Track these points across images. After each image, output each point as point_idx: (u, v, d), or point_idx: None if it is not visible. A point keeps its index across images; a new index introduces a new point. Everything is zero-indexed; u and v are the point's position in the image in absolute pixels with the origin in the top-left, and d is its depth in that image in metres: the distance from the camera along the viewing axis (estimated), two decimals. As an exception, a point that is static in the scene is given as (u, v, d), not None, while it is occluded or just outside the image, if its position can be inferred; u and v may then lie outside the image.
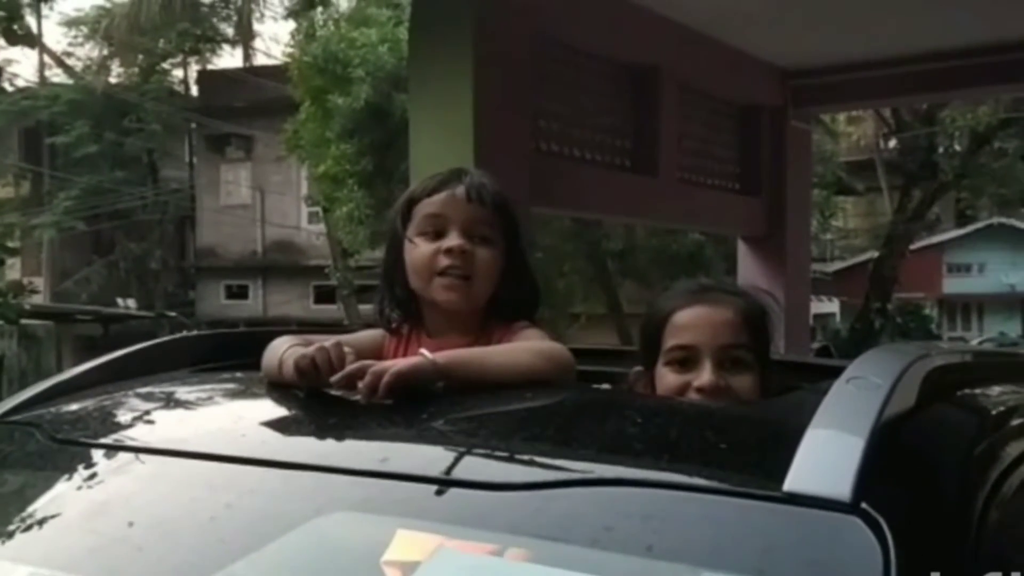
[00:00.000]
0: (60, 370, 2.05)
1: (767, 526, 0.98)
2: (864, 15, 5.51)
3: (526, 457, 1.18)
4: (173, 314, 22.84)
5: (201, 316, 25.04)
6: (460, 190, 1.71)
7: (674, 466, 1.12)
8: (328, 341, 1.46)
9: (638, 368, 1.79)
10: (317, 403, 1.50)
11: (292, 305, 25.00)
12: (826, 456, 1.01)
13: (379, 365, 1.37)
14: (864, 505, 0.95)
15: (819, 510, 0.96)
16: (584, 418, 1.38)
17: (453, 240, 1.67)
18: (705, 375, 1.66)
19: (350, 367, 1.39)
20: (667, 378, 1.70)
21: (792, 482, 0.98)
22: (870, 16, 5.52)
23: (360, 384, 1.35)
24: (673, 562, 0.97)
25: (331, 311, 21.73)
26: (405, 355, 1.73)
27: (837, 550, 0.95)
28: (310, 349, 1.42)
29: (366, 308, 18.94)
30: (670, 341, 1.71)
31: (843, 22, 5.64)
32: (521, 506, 1.06)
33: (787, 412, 1.26)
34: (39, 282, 25.16)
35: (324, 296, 23.54)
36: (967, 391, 1.48)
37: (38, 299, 23.15)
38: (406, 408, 1.35)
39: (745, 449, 1.21)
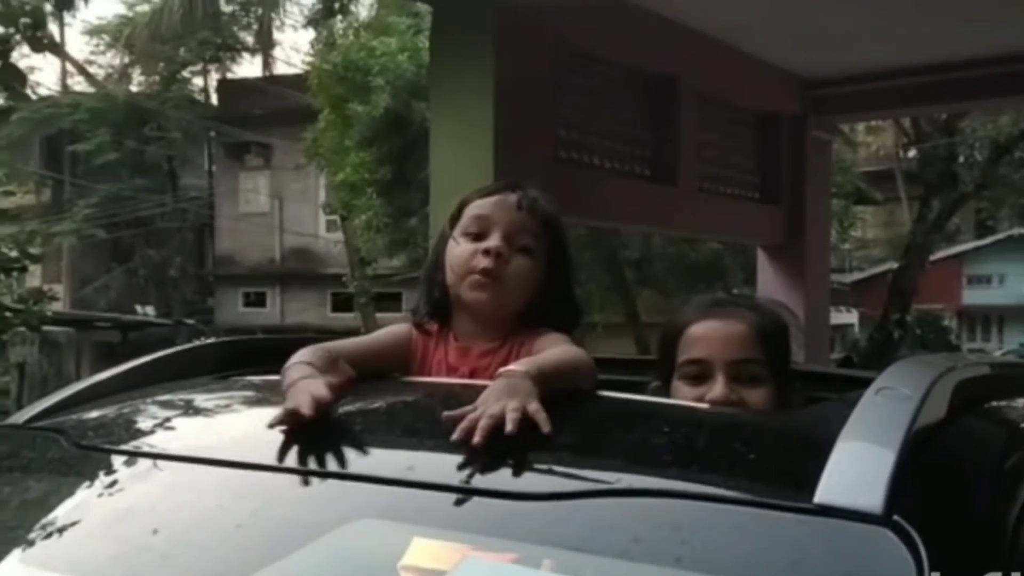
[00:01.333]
0: (80, 377, 2.05)
1: (798, 538, 0.97)
2: (885, 25, 5.49)
3: (554, 466, 1.18)
4: (191, 321, 22.93)
5: (219, 323, 25.13)
6: (511, 197, 1.73)
7: (704, 477, 1.12)
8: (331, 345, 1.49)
9: (655, 383, 1.79)
10: (341, 409, 1.50)
11: (309, 313, 25.07)
12: (857, 467, 1.00)
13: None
14: (896, 517, 0.95)
15: (850, 522, 0.95)
16: (613, 427, 1.37)
17: (492, 242, 1.68)
18: (717, 389, 1.66)
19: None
20: (681, 392, 1.70)
21: (823, 494, 0.98)
22: (891, 26, 5.50)
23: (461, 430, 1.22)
24: (703, 574, 0.96)
25: (348, 319, 21.78)
26: (434, 355, 1.73)
27: (868, 562, 0.94)
28: (291, 404, 1.34)
29: (383, 316, 18.99)
30: (683, 355, 1.72)
31: (864, 32, 5.61)
32: (548, 516, 1.05)
33: (817, 423, 1.25)
34: (59, 289, 25.32)
35: (341, 304, 23.60)
36: (995, 403, 1.47)
37: (58, 306, 23.31)
38: (433, 416, 1.34)
39: (776, 460, 1.20)
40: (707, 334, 1.71)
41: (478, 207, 1.73)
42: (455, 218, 1.77)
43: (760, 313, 1.77)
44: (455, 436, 1.18)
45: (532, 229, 1.72)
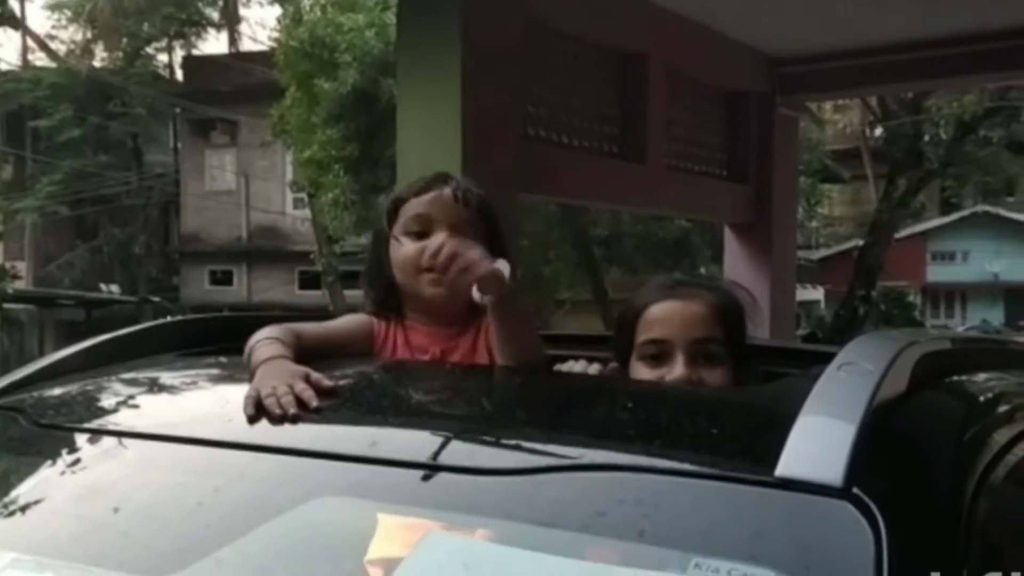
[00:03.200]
0: (42, 355, 2.03)
1: (759, 511, 0.98)
2: (852, 3, 5.51)
3: (518, 442, 1.18)
4: (157, 299, 22.77)
5: (185, 301, 24.96)
6: (447, 191, 1.79)
7: (666, 451, 1.12)
8: (295, 326, 1.51)
9: (613, 364, 1.80)
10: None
11: (277, 291, 24.95)
12: (818, 441, 1.01)
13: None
14: (855, 490, 0.95)
15: (811, 495, 0.96)
16: (576, 403, 1.37)
17: (440, 238, 1.72)
18: (677, 369, 1.67)
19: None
20: (640, 372, 1.71)
21: (784, 467, 0.98)
22: (858, 4, 5.52)
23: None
24: (665, 547, 0.97)
25: (316, 297, 21.70)
26: (396, 340, 1.78)
27: (829, 534, 0.95)
28: (276, 391, 1.33)
29: (351, 294, 18.93)
30: (643, 336, 1.72)
31: (831, 10, 5.63)
32: (512, 491, 1.05)
33: (780, 398, 1.26)
34: (22, 267, 25.02)
35: (309, 282, 23.49)
36: (957, 377, 1.48)
37: (20, 284, 23.03)
38: (398, 392, 1.34)
39: (738, 434, 1.21)
40: (666, 315, 1.72)
41: (417, 206, 1.78)
42: (391, 216, 1.81)
43: (718, 293, 1.78)
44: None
45: (470, 219, 1.79)
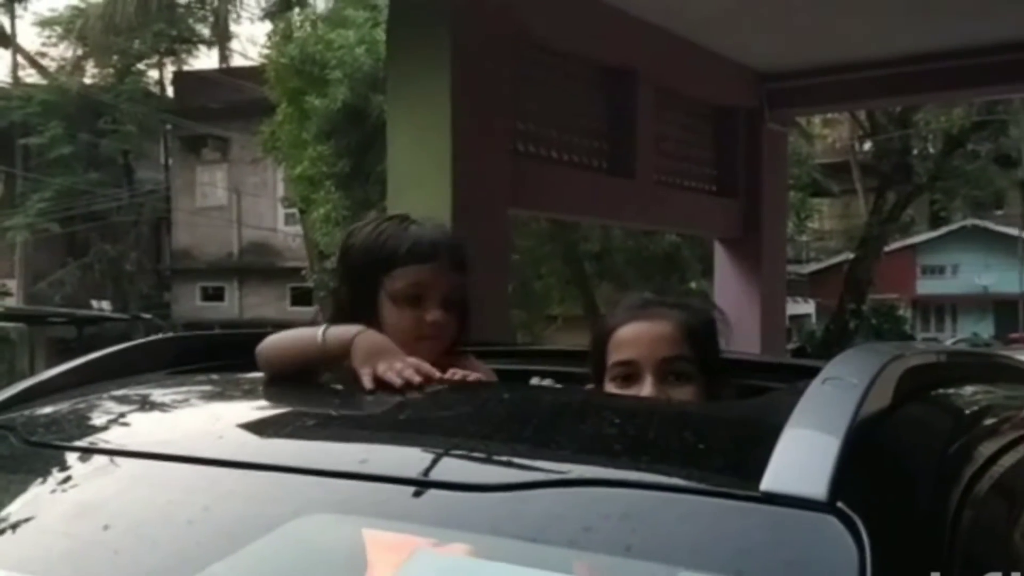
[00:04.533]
0: (33, 373, 2.03)
1: (744, 526, 0.99)
2: (839, 19, 5.56)
3: (504, 458, 1.18)
4: (148, 316, 22.63)
5: (177, 318, 24.91)
6: (445, 262, 1.81)
7: (652, 466, 1.13)
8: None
9: (589, 386, 1.82)
10: (295, 405, 1.49)
11: (268, 307, 24.92)
12: (802, 456, 1.02)
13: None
14: (840, 504, 0.96)
15: (795, 509, 0.97)
16: (562, 418, 1.38)
17: (435, 314, 1.78)
18: (646, 389, 1.70)
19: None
20: None
21: (769, 482, 0.99)
22: (845, 20, 5.57)
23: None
24: (651, 562, 0.97)
25: (308, 313, 21.66)
26: None
27: (813, 549, 0.96)
28: (401, 370, 1.47)
29: (343, 310, 18.87)
30: (612, 357, 1.75)
31: (819, 26, 5.68)
32: (499, 507, 1.06)
33: (765, 412, 1.27)
34: (12, 284, 24.96)
35: (301, 298, 23.47)
36: (942, 391, 1.49)
37: (11, 301, 22.96)
38: (384, 409, 1.34)
39: (723, 449, 1.21)
40: (634, 335, 1.74)
41: (416, 274, 1.79)
42: (382, 268, 1.81)
43: (686, 311, 1.80)
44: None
45: (459, 283, 1.83)
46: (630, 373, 1.72)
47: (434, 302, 1.78)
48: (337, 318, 1.80)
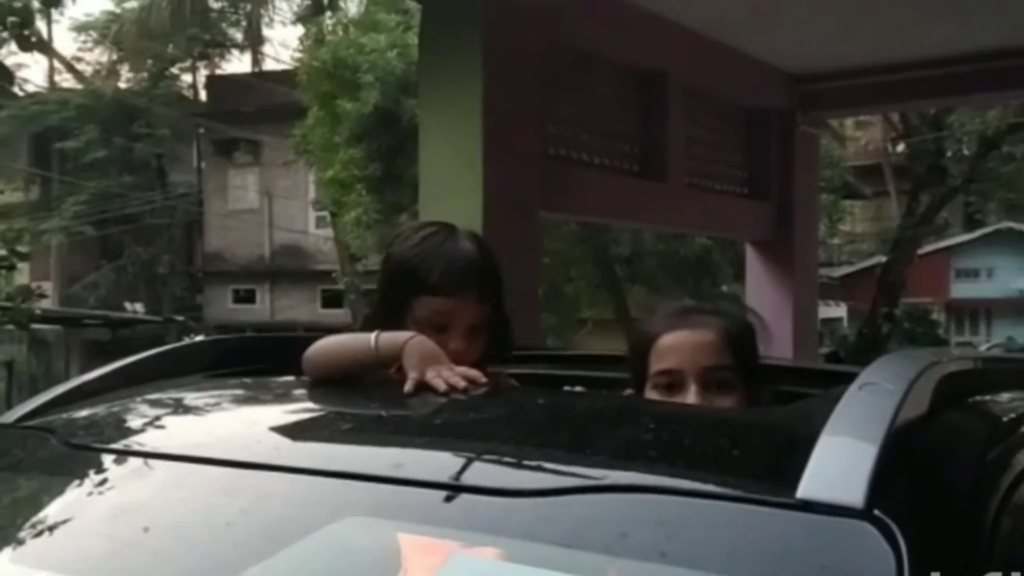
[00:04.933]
0: (69, 375, 2.06)
1: (781, 533, 0.99)
2: (873, 20, 5.51)
3: (540, 463, 1.19)
4: (181, 318, 22.89)
5: (209, 320, 25.08)
6: (471, 294, 1.81)
7: (688, 473, 1.13)
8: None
9: (629, 391, 1.83)
10: (331, 408, 1.50)
11: (299, 310, 25.03)
12: (839, 463, 1.01)
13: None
14: (877, 512, 0.96)
15: (832, 517, 0.96)
16: (598, 424, 1.38)
17: (457, 343, 1.79)
18: (690, 398, 1.70)
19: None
20: None
21: (805, 489, 0.99)
22: (879, 21, 5.52)
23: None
24: (687, 568, 0.97)
25: (339, 315, 21.76)
26: None
27: (850, 557, 0.95)
28: (448, 378, 1.50)
29: (374, 312, 18.93)
30: (655, 366, 1.75)
31: (852, 27, 5.63)
32: (535, 512, 1.06)
33: (801, 419, 1.27)
34: (47, 287, 25.20)
35: (331, 300, 23.56)
36: (979, 397, 1.48)
37: (46, 304, 23.20)
38: (420, 414, 1.35)
39: (759, 456, 1.21)
40: (677, 344, 1.75)
41: (442, 304, 1.80)
42: (411, 287, 1.82)
43: (727, 318, 1.81)
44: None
45: (486, 313, 1.83)
46: (673, 382, 1.73)
47: (458, 331, 1.79)
48: (369, 321, 1.83)
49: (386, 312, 1.84)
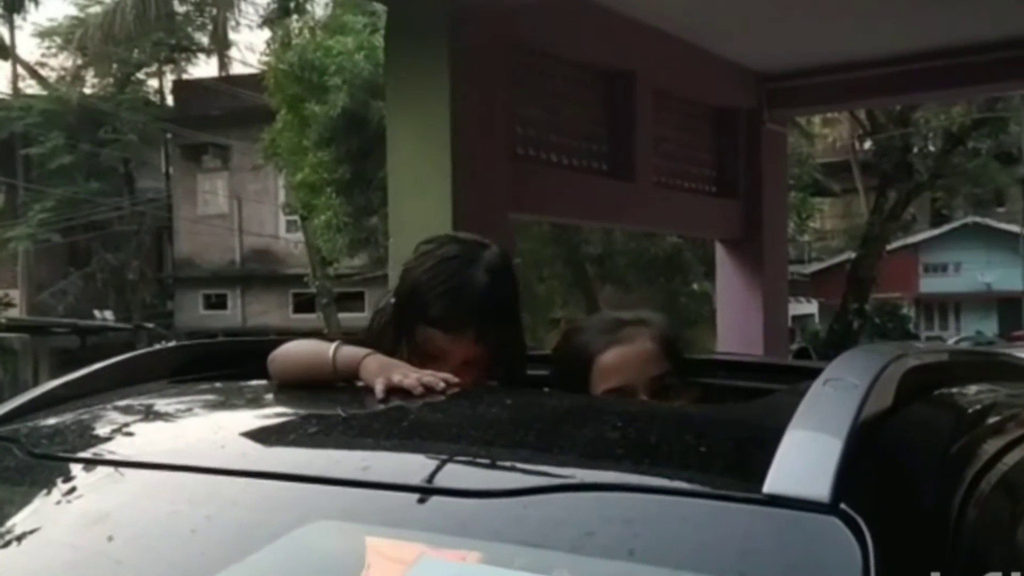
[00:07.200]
0: (36, 383, 2.03)
1: (747, 528, 0.99)
2: (837, 18, 5.55)
3: (507, 463, 1.19)
4: (151, 325, 22.72)
5: (179, 327, 24.92)
6: (471, 336, 1.72)
7: (655, 470, 1.13)
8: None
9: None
10: (298, 413, 1.49)
11: (271, 315, 24.92)
12: (805, 457, 1.02)
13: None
14: (843, 506, 0.96)
15: (798, 511, 0.97)
16: (564, 423, 1.38)
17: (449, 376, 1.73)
18: None
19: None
20: None
21: (772, 484, 0.99)
22: (843, 19, 5.56)
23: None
24: (655, 566, 0.97)
25: (311, 320, 21.68)
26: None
27: (817, 551, 0.96)
28: (419, 377, 1.47)
29: (345, 316, 18.90)
30: (602, 385, 1.75)
31: (817, 25, 5.67)
32: (502, 513, 1.06)
33: (767, 414, 1.27)
34: (15, 295, 24.97)
35: (303, 305, 23.48)
36: (944, 391, 1.49)
37: (14, 312, 22.98)
38: (387, 416, 1.34)
39: (725, 452, 1.21)
40: (622, 361, 1.76)
41: (439, 340, 1.72)
42: (412, 316, 1.75)
43: (652, 326, 1.83)
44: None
45: (483, 354, 1.74)
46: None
47: (449, 365, 1.67)
48: (372, 332, 1.81)
49: (395, 325, 1.79)
